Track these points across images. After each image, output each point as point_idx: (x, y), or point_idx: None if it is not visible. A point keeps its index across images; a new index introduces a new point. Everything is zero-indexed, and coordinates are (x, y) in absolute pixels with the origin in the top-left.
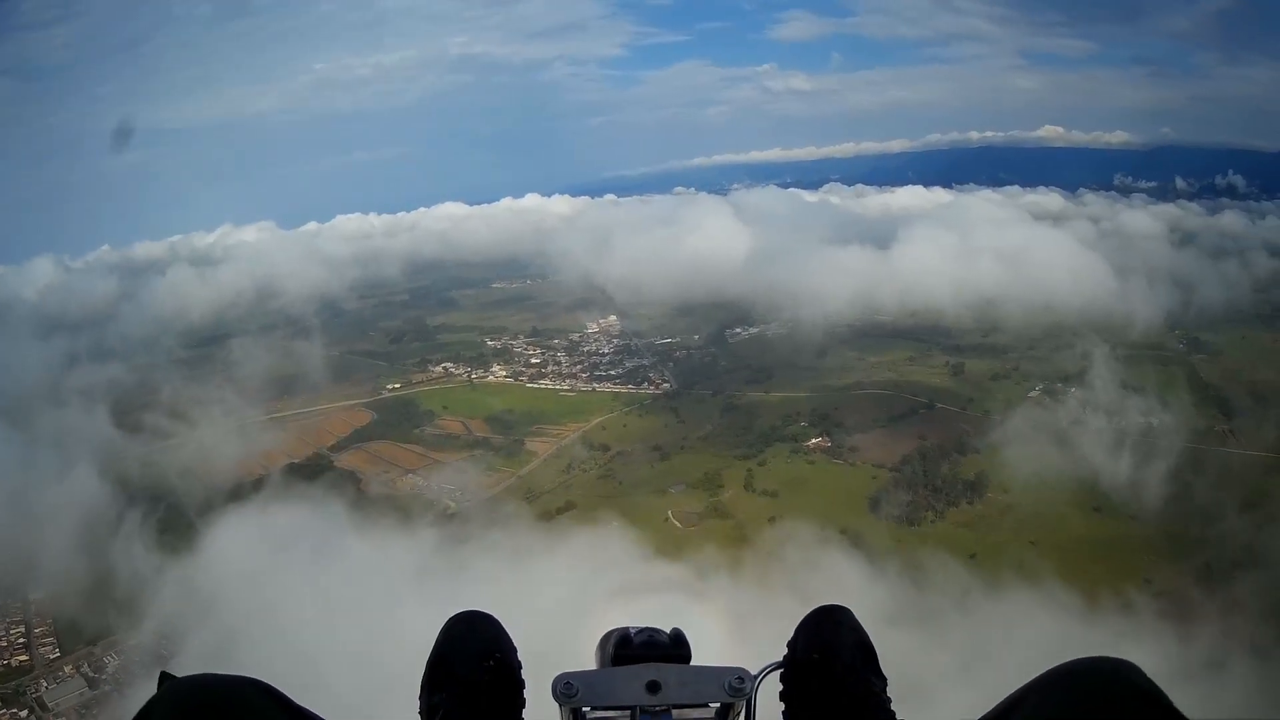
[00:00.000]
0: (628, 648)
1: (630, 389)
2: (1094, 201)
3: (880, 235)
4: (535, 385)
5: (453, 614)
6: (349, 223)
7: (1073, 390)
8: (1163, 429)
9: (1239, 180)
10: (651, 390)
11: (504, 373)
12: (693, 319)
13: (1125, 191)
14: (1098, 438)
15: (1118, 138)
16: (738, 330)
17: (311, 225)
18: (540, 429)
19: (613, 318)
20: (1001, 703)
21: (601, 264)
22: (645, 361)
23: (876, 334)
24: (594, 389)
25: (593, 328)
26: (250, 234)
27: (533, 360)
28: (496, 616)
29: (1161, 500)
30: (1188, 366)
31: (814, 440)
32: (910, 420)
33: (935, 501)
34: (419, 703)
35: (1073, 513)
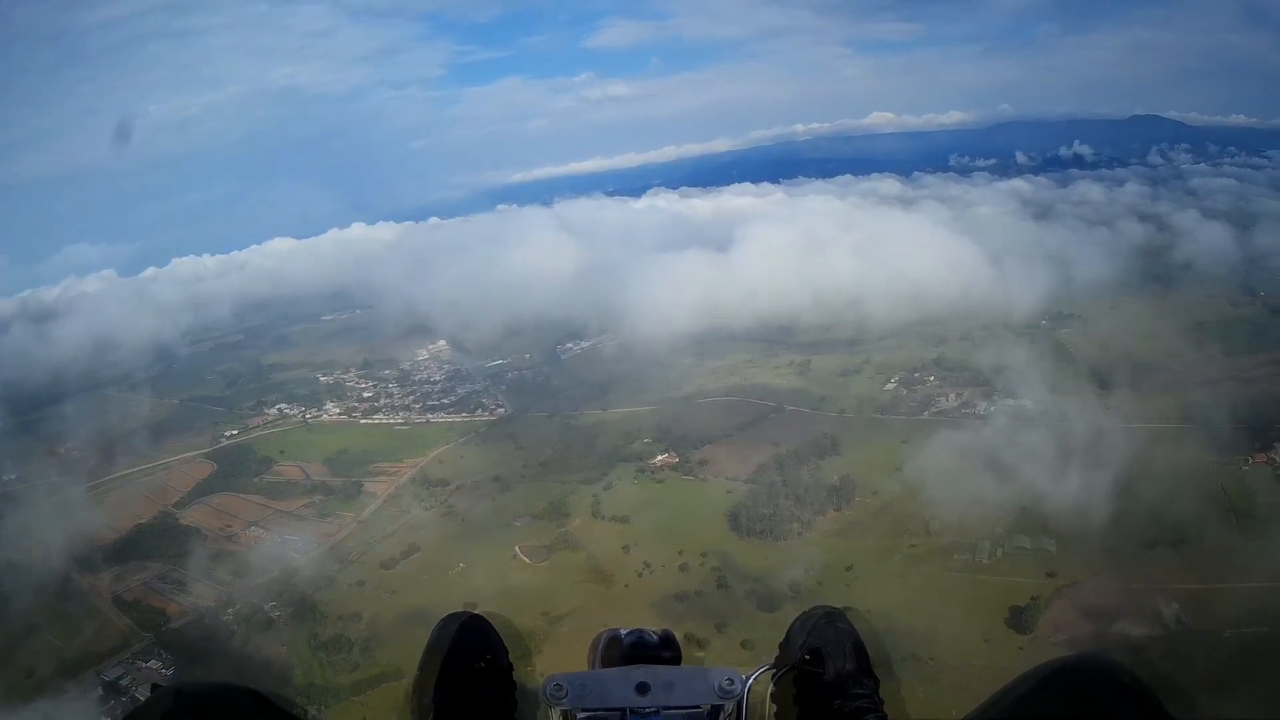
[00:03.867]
0: (617, 648)
1: (464, 417)
2: (932, 183)
3: (714, 237)
4: (369, 420)
5: (443, 615)
6: (183, 266)
7: (932, 379)
8: (1035, 409)
9: (1086, 149)
10: (486, 417)
11: (338, 410)
12: (523, 338)
13: (964, 171)
14: (966, 425)
15: (952, 118)
16: (569, 345)
17: (150, 271)
18: (378, 468)
19: (442, 343)
20: (988, 700)
21: (427, 288)
22: (477, 386)
23: (715, 338)
24: (428, 420)
25: (422, 355)
26: (92, 285)
27: (365, 394)
28: (486, 617)
29: (1047, 484)
30: (1055, 343)
31: (660, 457)
32: (760, 426)
33: (800, 511)
34: (410, 704)
35: (953, 507)
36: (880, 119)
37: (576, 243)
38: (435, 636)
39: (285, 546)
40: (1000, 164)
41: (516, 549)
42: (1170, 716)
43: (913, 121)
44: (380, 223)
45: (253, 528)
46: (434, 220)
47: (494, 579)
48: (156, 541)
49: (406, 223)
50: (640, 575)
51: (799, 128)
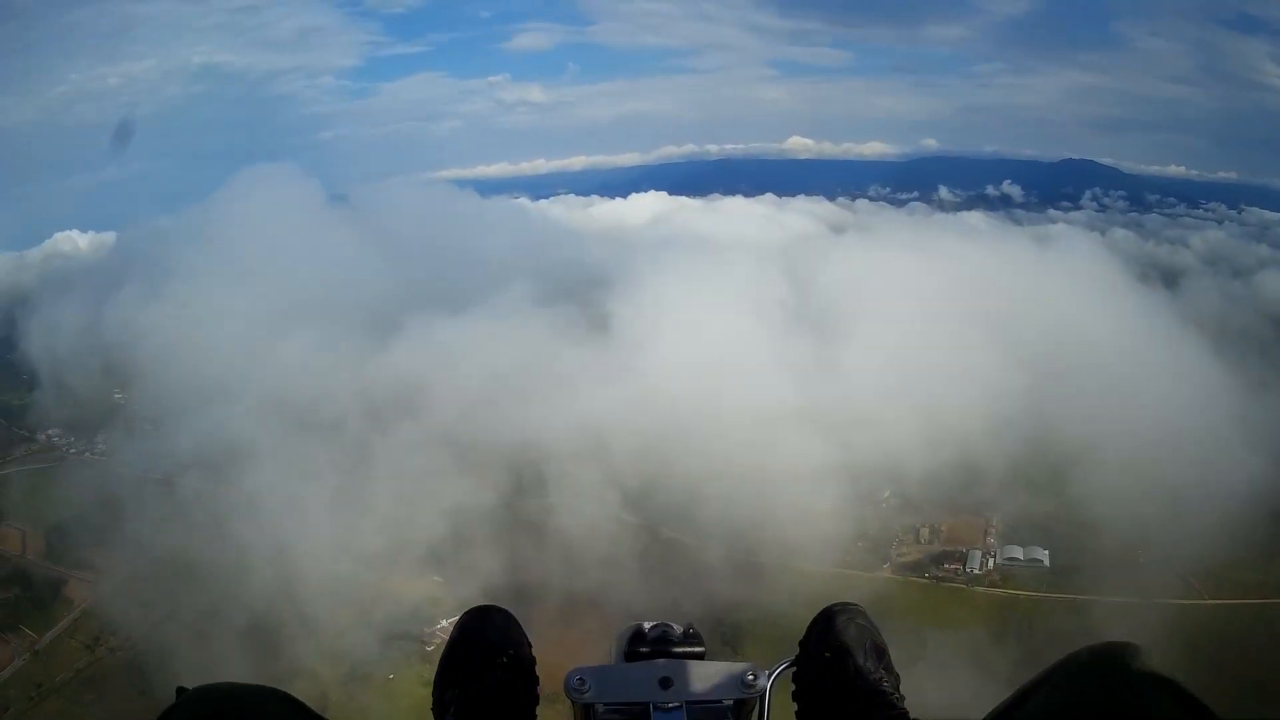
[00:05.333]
0: (641, 642)
1: None
2: (867, 208)
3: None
4: None
5: (468, 608)
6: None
7: None
8: None
9: (1016, 190)
10: None
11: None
12: None
13: (896, 203)
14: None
15: (873, 149)
16: None
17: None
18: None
19: None
20: (1009, 698)
21: None
22: None
23: None
24: None
25: None
26: None
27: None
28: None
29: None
30: None
31: None
32: None
33: None
34: (433, 697)
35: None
36: (797, 144)
37: None
38: (459, 630)
39: None
40: (923, 198)
41: None
42: (1202, 704)
43: (831, 149)
44: None
45: None
46: None
47: None
48: None
49: None
50: None
51: (711, 147)
